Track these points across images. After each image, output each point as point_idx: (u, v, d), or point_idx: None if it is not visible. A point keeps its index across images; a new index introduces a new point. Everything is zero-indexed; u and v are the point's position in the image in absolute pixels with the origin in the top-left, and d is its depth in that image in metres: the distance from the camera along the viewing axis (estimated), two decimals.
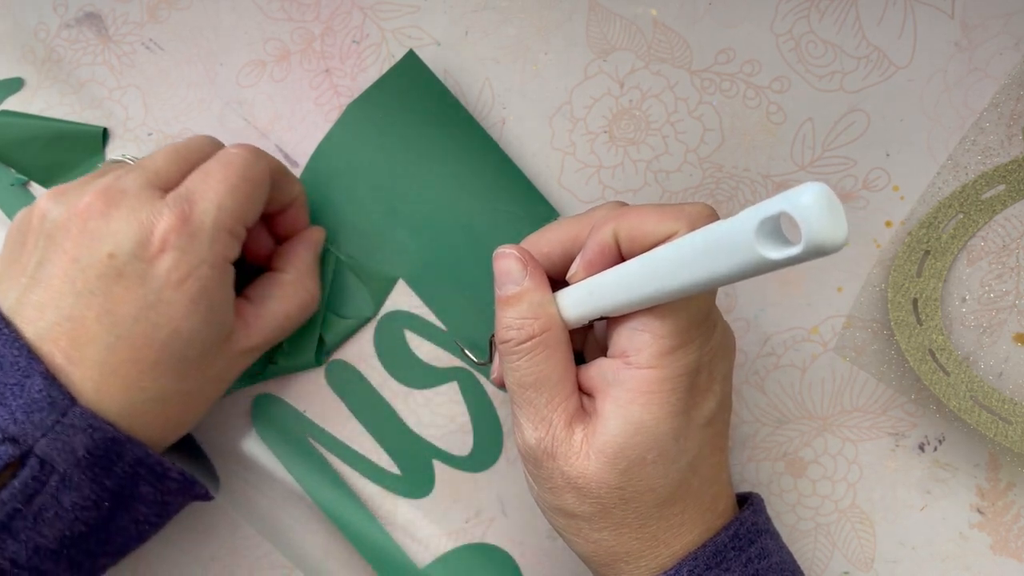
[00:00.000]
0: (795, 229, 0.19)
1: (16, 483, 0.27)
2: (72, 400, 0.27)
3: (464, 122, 0.36)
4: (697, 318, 0.27)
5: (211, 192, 0.29)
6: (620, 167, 0.37)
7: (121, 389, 0.28)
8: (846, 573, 0.36)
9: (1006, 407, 0.34)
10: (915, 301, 0.35)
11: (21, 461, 0.27)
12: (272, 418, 0.37)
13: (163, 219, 0.28)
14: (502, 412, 0.37)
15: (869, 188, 0.36)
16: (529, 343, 0.28)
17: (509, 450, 0.36)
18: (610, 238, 0.27)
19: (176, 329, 0.28)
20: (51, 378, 0.27)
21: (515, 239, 0.31)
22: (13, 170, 0.37)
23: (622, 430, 0.26)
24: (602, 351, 0.29)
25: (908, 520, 0.36)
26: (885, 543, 0.36)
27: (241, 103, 0.38)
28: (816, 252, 0.18)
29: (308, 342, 0.36)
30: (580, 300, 0.28)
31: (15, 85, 0.38)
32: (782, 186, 0.36)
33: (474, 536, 0.36)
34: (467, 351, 0.36)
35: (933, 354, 0.35)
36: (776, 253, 0.19)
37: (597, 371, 0.28)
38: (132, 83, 0.38)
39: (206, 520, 0.36)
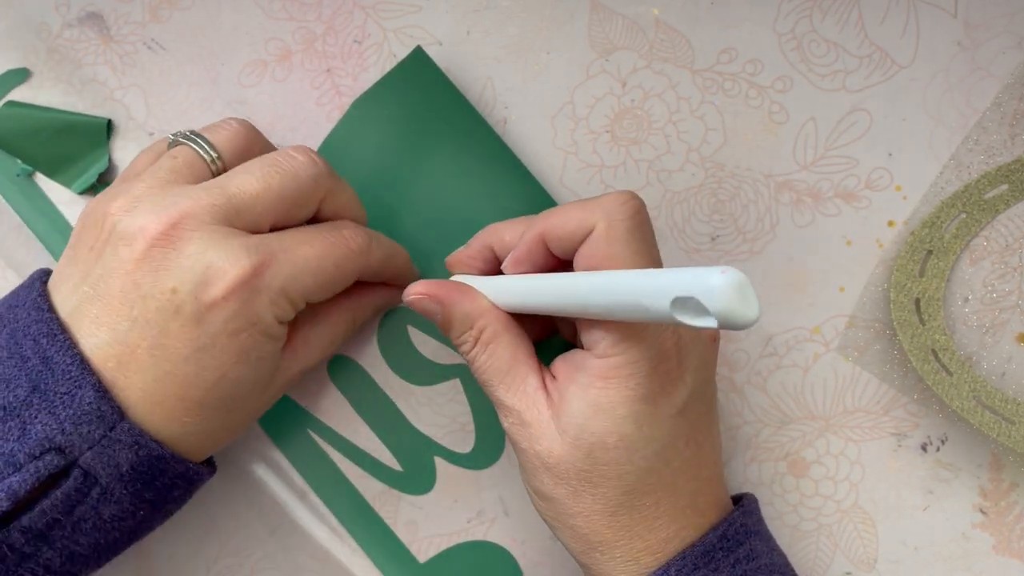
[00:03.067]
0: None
1: (58, 493, 0.26)
2: (121, 415, 0.27)
3: (470, 118, 0.36)
4: None
5: (299, 263, 0.28)
6: (622, 167, 0.37)
7: (164, 421, 0.28)
8: (848, 573, 0.36)
9: (1009, 407, 0.34)
10: (917, 301, 0.35)
11: (65, 471, 0.26)
12: (275, 413, 0.36)
13: (236, 268, 0.27)
14: None
15: (871, 188, 0.36)
16: (474, 350, 0.30)
17: (510, 449, 0.36)
18: (537, 237, 0.29)
19: (224, 375, 0.28)
20: (103, 391, 0.27)
21: None
22: (19, 160, 0.37)
23: (581, 411, 0.28)
24: None
25: (910, 520, 0.36)
26: (887, 543, 0.36)
27: (243, 103, 0.38)
28: (730, 327, 0.20)
29: None
30: (507, 292, 0.30)
31: (21, 76, 0.38)
32: (784, 186, 0.36)
33: (475, 534, 0.36)
34: None
35: (936, 354, 0.35)
36: (693, 321, 0.20)
37: (570, 359, 0.29)
38: (134, 83, 0.38)
39: (208, 520, 0.36)
